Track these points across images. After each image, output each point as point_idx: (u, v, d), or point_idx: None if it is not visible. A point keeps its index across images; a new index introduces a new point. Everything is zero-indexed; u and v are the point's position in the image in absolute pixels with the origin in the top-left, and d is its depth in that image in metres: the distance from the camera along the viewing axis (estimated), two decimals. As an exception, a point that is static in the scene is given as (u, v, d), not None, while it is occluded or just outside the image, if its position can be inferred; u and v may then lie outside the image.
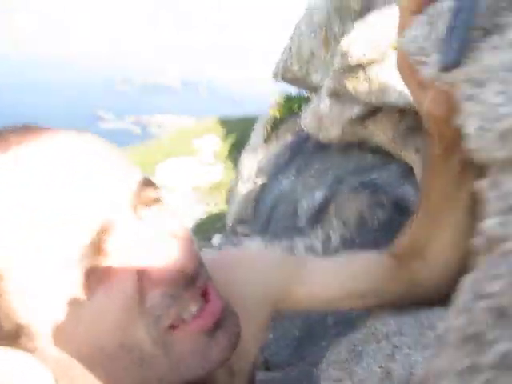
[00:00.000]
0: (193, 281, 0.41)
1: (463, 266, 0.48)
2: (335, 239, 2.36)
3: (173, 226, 0.43)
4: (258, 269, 0.62)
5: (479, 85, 0.27)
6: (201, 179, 8.56)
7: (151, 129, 20.11)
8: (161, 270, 0.38)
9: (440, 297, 0.62)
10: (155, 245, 0.39)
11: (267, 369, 1.95)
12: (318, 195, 2.86)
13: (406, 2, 0.47)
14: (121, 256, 0.38)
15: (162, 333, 0.39)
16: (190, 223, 6.42)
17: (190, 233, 0.45)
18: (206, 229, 5.97)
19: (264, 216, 3.66)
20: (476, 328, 0.18)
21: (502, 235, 0.20)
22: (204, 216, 6.64)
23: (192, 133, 11.85)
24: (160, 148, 10.98)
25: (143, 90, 30.16)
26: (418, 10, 0.46)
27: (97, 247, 0.37)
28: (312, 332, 2.00)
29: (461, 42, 0.32)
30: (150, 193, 0.42)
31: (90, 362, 0.39)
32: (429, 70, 0.37)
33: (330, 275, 0.65)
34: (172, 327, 0.40)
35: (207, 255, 0.62)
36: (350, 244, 2.24)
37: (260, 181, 4.24)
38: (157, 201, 0.43)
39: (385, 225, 2.14)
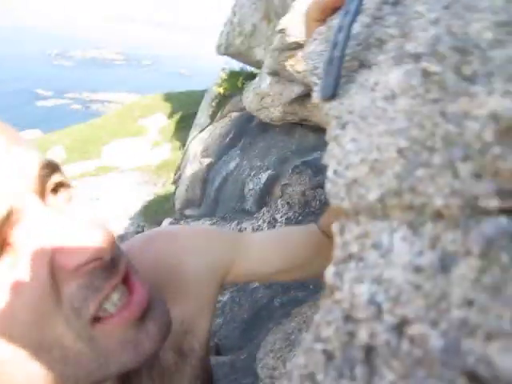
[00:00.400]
0: (111, 270, 0.38)
1: None
2: (281, 221, 2.41)
3: (84, 213, 0.40)
4: (200, 246, 0.60)
5: (342, 126, 0.28)
6: (148, 159, 8.37)
7: (94, 106, 19.25)
8: (74, 259, 0.35)
9: None
10: (65, 233, 0.36)
11: (217, 353, 2.00)
12: (264, 176, 2.90)
13: (310, 11, 0.45)
14: (29, 247, 0.35)
15: (84, 327, 0.37)
16: (137, 205, 6.30)
17: (104, 220, 0.41)
18: (154, 211, 5.88)
19: (211, 198, 3.67)
20: (311, 368, 0.20)
21: (336, 285, 0.22)
22: (152, 197, 6.53)
23: (137, 111, 11.48)
24: (104, 128, 10.57)
25: (82, 65, 28.66)
26: (322, 21, 0.44)
27: (2, 239, 0.34)
28: (259, 315, 2.06)
29: (337, 75, 0.32)
30: (56, 177, 0.39)
31: (7, 365, 0.36)
32: (315, 94, 0.38)
33: (268, 250, 0.65)
34: (96, 320, 0.38)
35: (148, 236, 0.60)
36: (294, 225, 2.30)
37: (206, 161, 4.22)
38: (64, 186, 0.40)
39: (326, 204, 2.21)
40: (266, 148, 3.21)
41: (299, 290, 2.13)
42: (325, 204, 2.24)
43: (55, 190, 0.39)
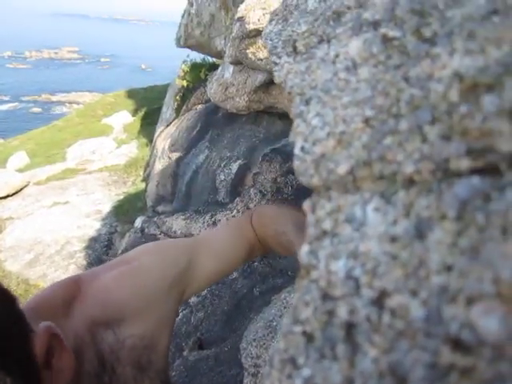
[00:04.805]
0: None
1: None
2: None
3: None
4: (158, 270, 0.64)
5: (306, 102, 0.27)
6: (115, 158, 8.18)
7: (54, 108, 18.64)
8: None
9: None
10: None
11: (200, 347, 1.99)
12: (234, 167, 2.87)
13: None
14: None
15: None
16: (108, 206, 6.16)
17: None
18: (126, 210, 5.77)
19: (183, 192, 3.62)
20: (291, 352, 0.19)
21: (311, 263, 0.21)
22: (122, 197, 6.40)
23: (100, 110, 11.19)
24: (67, 130, 10.26)
25: (39, 66, 27.63)
26: None
27: None
28: (240, 305, 2.05)
29: None
30: None
31: None
32: (277, 73, 0.36)
33: (219, 255, 0.72)
34: None
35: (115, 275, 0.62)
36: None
37: (175, 155, 4.16)
38: None
39: (298, 190, 2.22)
40: (234, 138, 3.18)
41: (277, 278, 2.13)
42: (297, 189, 2.25)
43: None
